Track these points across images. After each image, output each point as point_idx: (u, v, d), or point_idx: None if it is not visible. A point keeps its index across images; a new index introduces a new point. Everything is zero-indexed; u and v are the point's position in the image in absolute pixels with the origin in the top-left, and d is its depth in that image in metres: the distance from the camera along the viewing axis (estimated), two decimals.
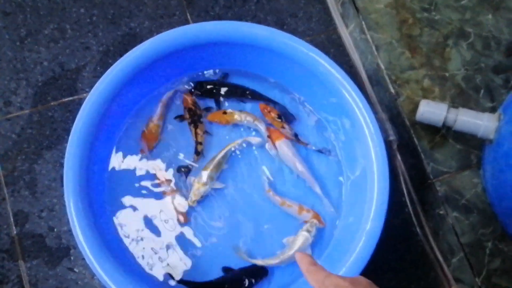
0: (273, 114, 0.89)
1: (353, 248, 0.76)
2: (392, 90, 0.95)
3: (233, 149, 0.87)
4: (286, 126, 0.89)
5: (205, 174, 0.84)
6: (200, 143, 0.87)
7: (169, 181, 0.85)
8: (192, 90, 0.89)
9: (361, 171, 0.83)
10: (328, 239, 0.85)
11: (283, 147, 0.87)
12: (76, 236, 0.72)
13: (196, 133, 0.87)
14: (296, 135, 0.89)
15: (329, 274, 0.49)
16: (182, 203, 0.84)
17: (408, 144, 0.94)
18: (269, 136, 0.89)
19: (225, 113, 0.88)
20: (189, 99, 0.88)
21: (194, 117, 0.87)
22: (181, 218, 0.84)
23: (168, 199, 0.84)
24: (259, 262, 0.81)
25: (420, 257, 0.93)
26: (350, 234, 0.78)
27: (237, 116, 0.88)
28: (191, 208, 0.84)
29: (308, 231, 0.84)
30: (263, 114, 0.90)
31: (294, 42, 0.82)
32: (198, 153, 0.86)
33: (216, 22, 0.84)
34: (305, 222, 0.85)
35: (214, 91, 0.90)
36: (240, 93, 0.90)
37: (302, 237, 0.83)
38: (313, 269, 0.50)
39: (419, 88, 0.95)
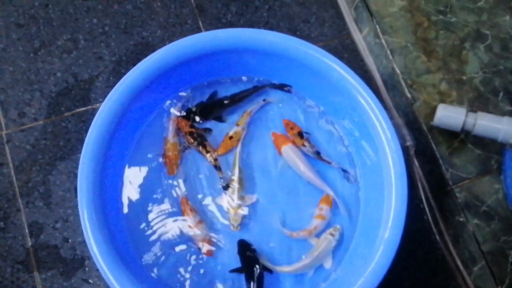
0: (295, 131, 0.87)
1: (371, 257, 0.74)
2: (408, 95, 0.93)
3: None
4: (307, 144, 0.87)
5: (234, 198, 0.83)
6: (215, 159, 0.86)
7: (193, 211, 0.84)
8: (184, 116, 0.88)
9: (377, 178, 0.81)
10: (345, 247, 0.83)
11: (289, 152, 0.86)
12: (90, 247, 0.72)
13: (207, 152, 0.86)
14: (318, 153, 0.87)
15: None
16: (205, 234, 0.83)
17: (426, 149, 0.92)
18: (274, 142, 0.88)
19: (231, 138, 0.87)
20: (183, 123, 0.87)
21: (198, 139, 0.86)
22: (205, 249, 0.82)
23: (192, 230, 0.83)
24: (286, 269, 0.80)
25: (440, 265, 0.91)
26: (369, 243, 0.76)
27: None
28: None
29: (332, 234, 0.83)
30: (286, 129, 0.88)
31: (306, 48, 0.81)
32: (218, 168, 0.86)
33: (229, 30, 0.84)
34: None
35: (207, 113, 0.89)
36: (217, 108, 0.89)
37: (325, 240, 0.82)
38: None
39: (436, 92, 0.93)
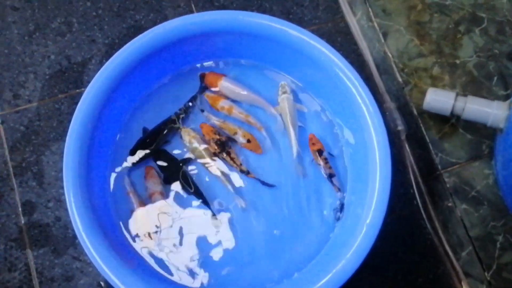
0: (316, 148, 0.86)
1: (353, 241, 0.74)
2: (400, 79, 0.92)
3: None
4: (322, 162, 0.85)
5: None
6: (241, 164, 0.85)
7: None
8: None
9: (362, 158, 0.81)
10: (328, 231, 0.84)
11: (227, 84, 0.88)
12: (74, 224, 0.73)
13: (232, 160, 0.85)
14: (331, 175, 0.85)
15: None
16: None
17: (417, 134, 0.91)
18: (207, 82, 0.89)
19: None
20: (207, 128, 0.87)
21: (224, 146, 0.85)
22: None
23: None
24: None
25: (429, 249, 0.91)
26: (352, 227, 0.77)
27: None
28: None
29: (284, 92, 0.87)
30: (309, 144, 0.87)
31: (285, 26, 0.81)
32: (247, 172, 0.85)
33: (220, 12, 0.84)
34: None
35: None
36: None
37: (284, 100, 0.87)
38: None
39: (427, 76, 0.92)
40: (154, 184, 0.83)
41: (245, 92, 0.88)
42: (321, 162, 0.85)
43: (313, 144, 0.87)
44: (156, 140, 0.85)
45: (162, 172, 0.85)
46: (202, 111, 0.89)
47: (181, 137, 0.87)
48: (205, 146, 0.85)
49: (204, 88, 0.90)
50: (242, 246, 0.83)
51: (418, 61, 0.93)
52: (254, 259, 0.83)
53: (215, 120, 0.88)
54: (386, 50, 0.94)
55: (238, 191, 0.85)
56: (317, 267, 0.80)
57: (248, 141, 0.87)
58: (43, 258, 0.86)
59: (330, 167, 0.85)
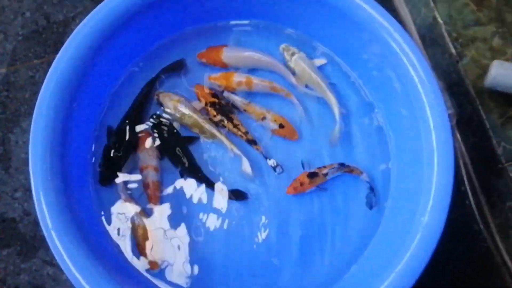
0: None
1: (405, 248, 0.58)
2: (453, 51, 0.76)
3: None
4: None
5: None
6: (246, 132, 0.70)
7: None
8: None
9: (413, 149, 0.65)
10: (369, 234, 0.67)
11: (233, 53, 0.72)
12: (42, 221, 0.56)
13: (236, 127, 0.70)
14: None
15: None
16: None
17: (472, 118, 0.75)
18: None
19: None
20: (203, 90, 0.71)
21: (224, 110, 0.70)
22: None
23: None
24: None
25: (484, 260, 0.76)
26: (402, 230, 0.60)
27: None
28: None
29: (293, 53, 0.72)
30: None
31: None
32: (254, 142, 0.70)
33: None
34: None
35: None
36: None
37: (300, 61, 0.72)
38: None
39: (487, 49, 0.77)
40: (148, 156, 0.67)
41: (256, 56, 0.72)
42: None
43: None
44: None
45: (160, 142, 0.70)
46: (223, 91, 0.72)
47: (160, 104, 0.70)
48: (194, 109, 0.69)
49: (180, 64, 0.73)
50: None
51: (475, 30, 0.77)
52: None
53: (239, 102, 0.71)
54: (435, 16, 0.78)
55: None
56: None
57: (281, 126, 0.70)
58: (6, 261, 0.72)
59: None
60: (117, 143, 0.67)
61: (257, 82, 0.71)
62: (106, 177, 0.67)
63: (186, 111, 0.69)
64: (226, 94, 0.72)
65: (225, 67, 0.73)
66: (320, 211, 0.69)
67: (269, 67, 0.73)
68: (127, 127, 0.68)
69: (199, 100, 0.71)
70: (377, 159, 0.71)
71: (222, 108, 0.70)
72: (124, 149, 0.67)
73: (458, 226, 0.76)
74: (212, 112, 0.70)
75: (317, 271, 0.66)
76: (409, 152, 0.66)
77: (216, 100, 0.70)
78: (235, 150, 0.68)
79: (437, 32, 0.78)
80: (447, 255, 0.74)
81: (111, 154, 0.67)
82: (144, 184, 0.67)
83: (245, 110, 0.71)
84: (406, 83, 0.64)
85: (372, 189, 0.70)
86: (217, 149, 0.70)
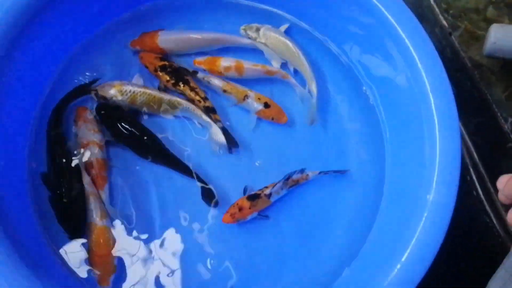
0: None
1: (409, 234, 0.47)
2: (444, 22, 0.69)
3: None
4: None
5: None
6: (206, 98, 0.60)
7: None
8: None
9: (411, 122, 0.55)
10: (367, 224, 0.56)
11: (170, 37, 0.62)
12: None
13: (193, 91, 0.60)
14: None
15: None
16: None
17: (472, 94, 0.66)
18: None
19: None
20: (148, 56, 0.61)
21: (178, 73, 0.61)
22: None
23: None
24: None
25: (500, 255, 0.64)
26: (404, 211, 0.50)
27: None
28: None
29: (257, 29, 0.63)
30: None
31: None
32: (213, 110, 0.60)
33: None
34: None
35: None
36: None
37: (267, 31, 0.62)
38: None
39: (481, 20, 0.69)
40: (88, 131, 0.55)
41: (200, 36, 0.63)
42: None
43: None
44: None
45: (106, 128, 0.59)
46: (196, 72, 0.62)
47: (103, 99, 0.59)
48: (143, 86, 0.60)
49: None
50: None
51: (466, 0, 0.69)
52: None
53: (217, 82, 0.62)
54: None
55: None
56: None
57: (266, 105, 0.61)
58: None
59: None
60: (60, 188, 0.55)
61: (249, 66, 0.62)
62: (74, 230, 0.55)
63: (135, 89, 0.58)
64: (201, 75, 0.62)
65: (163, 53, 0.63)
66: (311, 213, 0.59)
67: (221, 44, 0.63)
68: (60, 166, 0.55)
69: (146, 67, 0.60)
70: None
71: (174, 70, 0.60)
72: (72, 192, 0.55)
73: (466, 220, 0.66)
74: (165, 76, 0.59)
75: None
76: (405, 123, 0.56)
77: (167, 63, 0.60)
78: (204, 117, 0.58)
79: (425, 3, 0.71)
80: (455, 252, 0.63)
81: (62, 204, 0.55)
82: (86, 164, 0.55)
83: (225, 91, 0.62)
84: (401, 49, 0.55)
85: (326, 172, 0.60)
86: (183, 125, 0.60)
